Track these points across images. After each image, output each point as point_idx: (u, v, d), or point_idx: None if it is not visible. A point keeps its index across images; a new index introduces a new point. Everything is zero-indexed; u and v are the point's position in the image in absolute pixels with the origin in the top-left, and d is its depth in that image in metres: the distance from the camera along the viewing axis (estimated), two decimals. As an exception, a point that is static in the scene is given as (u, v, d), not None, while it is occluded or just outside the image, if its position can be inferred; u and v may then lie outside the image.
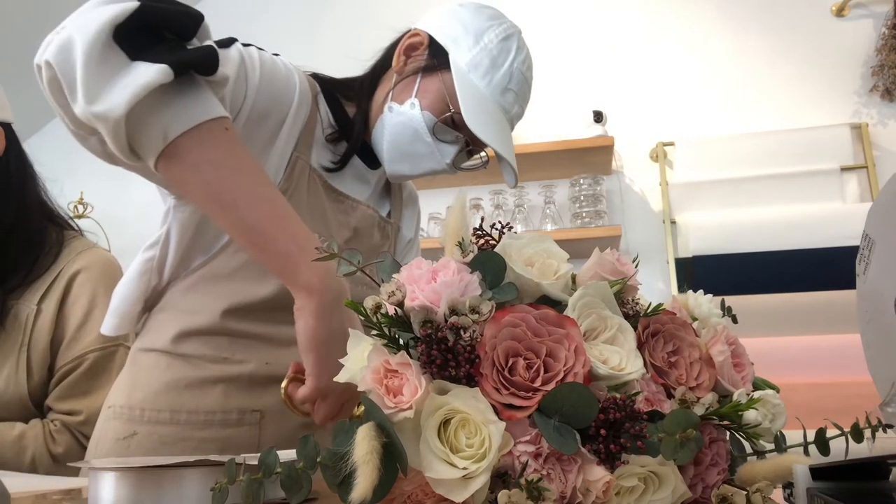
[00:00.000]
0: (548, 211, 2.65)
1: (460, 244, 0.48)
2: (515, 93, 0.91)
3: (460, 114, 0.86)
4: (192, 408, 0.83)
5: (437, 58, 0.91)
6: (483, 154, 1.00)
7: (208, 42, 0.68)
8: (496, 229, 0.50)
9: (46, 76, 0.64)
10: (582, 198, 2.60)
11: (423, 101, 0.89)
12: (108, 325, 0.89)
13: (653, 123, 2.72)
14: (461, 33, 0.90)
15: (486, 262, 0.45)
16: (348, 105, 0.96)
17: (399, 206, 1.08)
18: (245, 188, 0.66)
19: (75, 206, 2.93)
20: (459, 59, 0.89)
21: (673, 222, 2.57)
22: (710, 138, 2.61)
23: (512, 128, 0.94)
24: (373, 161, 0.97)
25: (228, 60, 0.77)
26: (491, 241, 0.49)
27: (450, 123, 0.90)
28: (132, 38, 0.62)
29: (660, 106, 2.74)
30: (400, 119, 0.90)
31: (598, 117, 2.61)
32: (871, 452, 0.51)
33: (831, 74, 2.62)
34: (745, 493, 0.42)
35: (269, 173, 0.81)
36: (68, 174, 3.22)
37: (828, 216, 2.36)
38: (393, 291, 0.42)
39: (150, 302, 0.90)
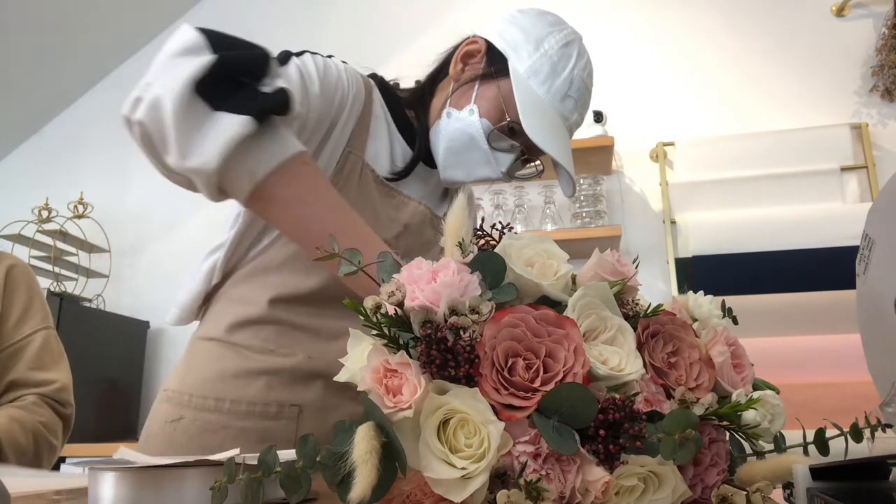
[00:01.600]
0: (548, 211, 2.65)
1: (460, 244, 0.48)
2: (575, 100, 0.90)
3: (518, 122, 0.86)
4: (236, 397, 0.85)
5: (494, 65, 0.91)
6: (538, 162, 1.00)
7: (280, 84, 0.71)
8: (496, 229, 0.50)
9: (139, 133, 0.68)
10: (582, 198, 2.60)
11: (481, 108, 0.90)
12: (172, 315, 0.94)
13: (653, 123, 2.72)
14: (521, 39, 0.90)
15: (486, 263, 0.45)
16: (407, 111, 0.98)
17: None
18: (331, 220, 0.71)
19: (75, 206, 2.93)
20: (519, 65, 0.89)
21: (673, 222, 2.56)
22: (710, 138, 2.61)
23: (571, 135, 0.94)
24: (432, 161, 0.98)
25: (289, 78, 0.79)
26: (491, 242, 0.49)
27: (506, 132, 0.90)
28: (212, 89, 0.66)
29: (660, 106, 2.74)
30: (458, 125, 0.91)
31: (598, 117, 2.61)
32: (871, 452, 0.51)
33: (831, 74, 2.62)
34: (745, 493, 0.42)
35: (321, 167, 0.85)
36: (68, 174, 3.23)
37: (828, 216, 2.36)
38: (393, 291, 0.42)
39: (209, 295, 0.94)
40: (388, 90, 0.97)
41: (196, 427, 0.84)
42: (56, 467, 1.88)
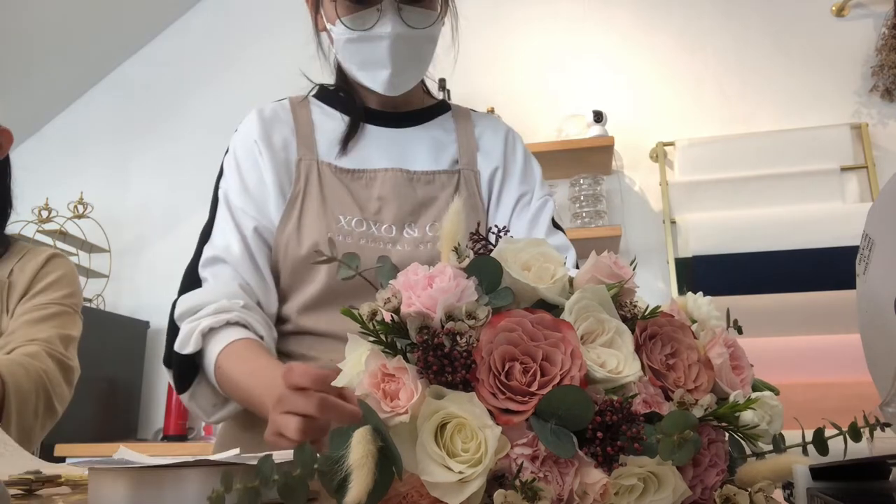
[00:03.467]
0: (548, 211, 2.65)
1: (456, 249, 0.48)
2: None
3: None
4: None
5: None
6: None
7: (177, 347, 0.89)
8: (493, 233, 0.49)
9: None
10: (582, 198, 2.60)
11: (331, 21, 0.95)
12: None
13: (653, 123, 2.72)
14: None
15: (483, 268, 0.45)
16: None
17: (468, 153, 1.04)
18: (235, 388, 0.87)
19: (75, 206, 2.93)
20: None
21: (673, 222, 2.56)
22: (710, 138, 2.60)
23: None
24: (391, 121, 1.01)
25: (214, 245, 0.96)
26: (488, 246, 0.49)
27: (352, 10, 0.92)
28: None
29: (660, 106, 2.74)
30: (338, 49, 0.97)
31: (598, 117, 2.61)
32: (871, 452, 0.51)
33: (831, 74, 2.62)
34: (748, 492, 0.42)
35: (285, 190, 0.94)
36: (68, 174, 3.22)
37: (828, 216, 2.36)
38: (389, 298, 0.42)
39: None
40: (325, 90, 1.05)
41: (247, 423, 0.95)
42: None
